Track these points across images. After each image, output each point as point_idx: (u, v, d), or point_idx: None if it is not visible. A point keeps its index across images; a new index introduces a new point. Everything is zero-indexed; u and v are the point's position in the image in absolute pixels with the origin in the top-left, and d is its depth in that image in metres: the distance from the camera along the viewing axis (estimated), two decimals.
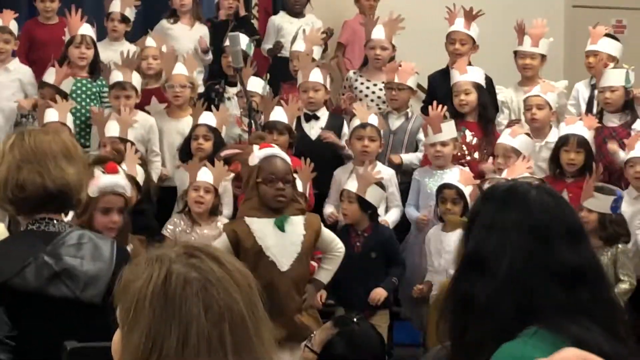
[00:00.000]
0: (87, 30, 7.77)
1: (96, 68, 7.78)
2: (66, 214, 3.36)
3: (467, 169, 6.87)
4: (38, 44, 8.07)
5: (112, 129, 6.95)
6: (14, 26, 7.86)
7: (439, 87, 7.73)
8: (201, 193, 6.40)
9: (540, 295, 2.10)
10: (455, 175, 6.63)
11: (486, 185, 5.70)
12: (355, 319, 3.98)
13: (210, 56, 8.38)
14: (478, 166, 7.10)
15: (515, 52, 7.73)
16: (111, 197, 4.96)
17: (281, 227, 5.23)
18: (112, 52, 8.01)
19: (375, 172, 6.52)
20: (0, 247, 3.26)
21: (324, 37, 8.40)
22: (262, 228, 5.23)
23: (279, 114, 7.01)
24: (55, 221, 3.19)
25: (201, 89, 7.92)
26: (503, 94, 7.74)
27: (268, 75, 7.84)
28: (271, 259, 5.21)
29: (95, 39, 7.83)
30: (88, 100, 7.68)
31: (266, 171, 5.22)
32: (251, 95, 7.25)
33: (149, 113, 7.54)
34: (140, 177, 6.30)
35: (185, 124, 7.35)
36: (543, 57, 7.69)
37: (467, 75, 7.34)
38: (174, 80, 7.45)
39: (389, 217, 6.87)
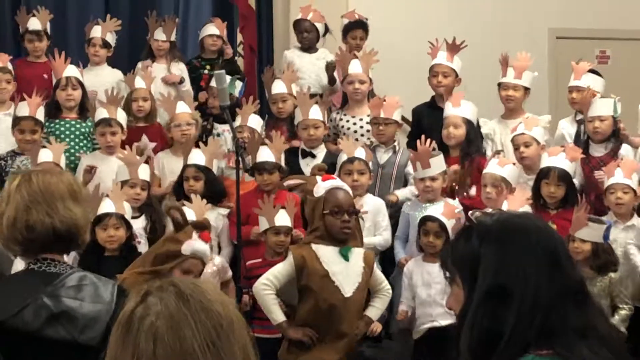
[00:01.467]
0: (72, 72, 7.82)
1: (85, 109, 7.80)
2: (68, 254, 3.35)
3: (456, 201, 6.89)
4: (25, 83, 8.07)
5: (143, 172, 6.94)
6: (10, 67, 7.93)
7: (425, 120, 7.78)
8: None
9: (557, 316, 2.16)
10: (441, 208, 6.65)
11: (476, 215, 5.73)
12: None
13: (187, 86, 8.44)
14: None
15: (499, 85, 7.77)
16: (194, 261, 5.05)
17: (346, 257, 5.43)
18: (94, 77, 8.16)
19: (359, 206, 6.50)
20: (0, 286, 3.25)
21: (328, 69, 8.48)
22: (328, 255, 5.43)
23: (265, 154, 7.02)
24: (56, 262, 3.18)
25: None
26: (487, 126, 7.77)
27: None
28: (336, 284, 5.40)
29: (81, 79, 7.85)
30: (77, 140, 7.69)
31: (332, 203, 5.44)
32: (251, 131, 7.32)
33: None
34: (128, 215, 6.36)
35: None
36: (526, 89, 7.72)
37: (459, 110, 7.38)
38: (180, 119, 7.48)
39: (372, 240, 6.88)
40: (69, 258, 3.82)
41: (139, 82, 7.96)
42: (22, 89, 7.83)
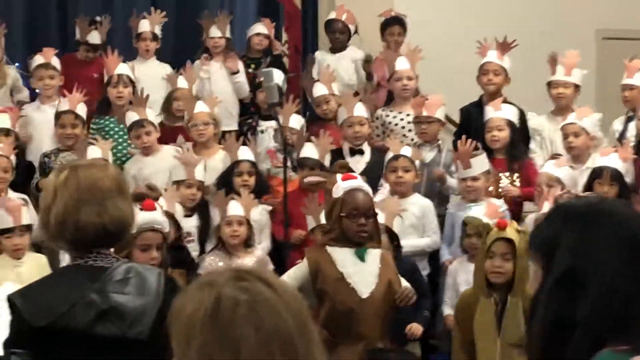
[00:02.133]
0: (124, 69, 7.85)
1: None
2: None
3: (500, 201, 6.87)
4: (73, 80, 8.11)
5: (198, 171, 6.99)
6: (56, 62, 7.95)
7: (473, 120, 7.74)
8: (234, 227, 6.42)
9: (636, 307, 2.09)
10: (484, 208, 6.61)
11: (564, 197, 5.66)
12: (389, 350, 3.99)
13: (240, 78, 8.44)
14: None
15: (549, 83, 7.72)
16: (149, 234, 5.03)
17: (362, 257, 5.27)
18: (144, 70, 8.27)
19: (396, 203, 6.48)
20: (47, 284, 3.21)
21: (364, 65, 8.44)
22: (343, 257, 5.28)
23: (309, 151, 7.03)
24: (102, 255, 3.16)
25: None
26: (535, 120, 7.73)
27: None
28: (352, 286, 5.25)
29: (132, 77, 7.89)
30: (126, 137, 7.71)
31: (350, 205, 5.25)
32: (292, 132, 7.31)
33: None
34: (179, 214, 6.34)
35: (214, 160, 7.37)
36: (576, 87, 7.70)
37: (500, 112, 7.34)
38: (196, 118, 7.46)
39: (420, 242, 6.86)
40: None
41: (181, 82, 7.99)
42: (69, 86, 7.88)
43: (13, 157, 7.08)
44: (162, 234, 5.17)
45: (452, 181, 7.27)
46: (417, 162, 7.07)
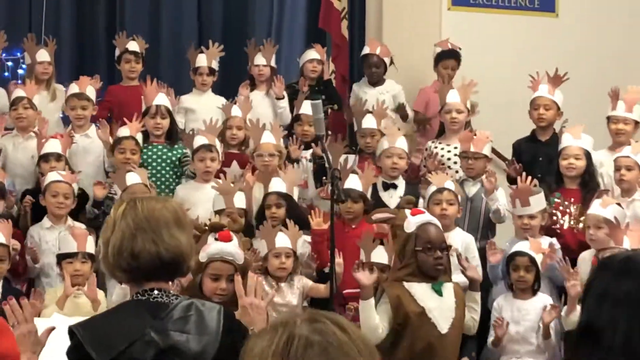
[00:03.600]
0: (162, 100, 7.87)
1: (173, 135, 7.86)
2: (173, 283, 3.31)
3: (551, 239, 6.79)
4: (122, 107, 8.17)
5: (239, 200, 6.98)
6: (91, 92, 7.97)
7: (524, 154, 7.69)
8: (283, 259, 6.43)
9: None
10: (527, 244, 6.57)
11: (604, 255, 5.62)
12: None
13: (284, 104, 8.46)
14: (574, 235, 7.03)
15: (608, 118, 7.67)
16: (219, 264, 5.07)
17: (439, 292, 5.34)
18: (199, 102, 8.36)
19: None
20: (109, 319, 3.21)
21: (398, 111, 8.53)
22: (421, 292, 5.33)
23: (353, 182, 7.03)
24: (163, 292, 3.14)
25: None
26: (594, 157, 7.63)
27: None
28: (432, 321, 5.30)
29: (171, 108, 7.90)
30: (164, 165, 7.74)
31: (424, 239, 5.33)
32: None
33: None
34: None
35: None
36: (637, 123, 7.65)
37: (580, 141, 7.29)
38: (263, 149, 7.48)
39: (462, 278, 6.78)
40: None
41: (235, 110, 8.01)
42: (119, 113, 7.89)
43: (75, 185, 7.13)
44: (233, 266, 5.17)
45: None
46: (459, 197, 7.03)
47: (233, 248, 5.24)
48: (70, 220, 6.99)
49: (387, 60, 8.81)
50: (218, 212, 6.83)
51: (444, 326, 5.32)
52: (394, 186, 7.46)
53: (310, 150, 7.89)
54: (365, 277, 5.46)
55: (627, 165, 7.12)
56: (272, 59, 8.76)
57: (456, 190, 7.01)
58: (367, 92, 8.72)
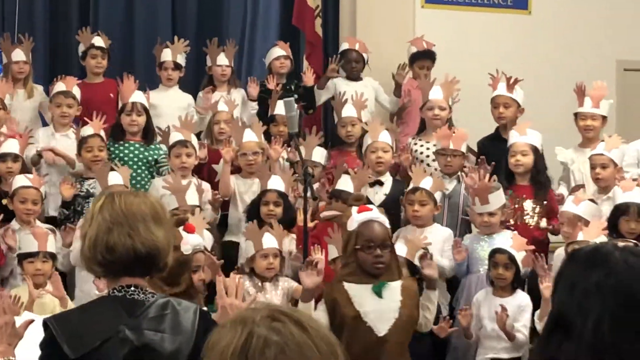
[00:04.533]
0: (138, 97, 7.85)
1: (149, 134, 7.84)
2: (151, 277, 3.28)
3: (514, 232, 6.83)
4: (90, 104, 8.10)
5: (191, 197, 6.94)
6: (77, 92, 7.96)
7: (490, 152, 7.67)
8: (270, 260, 6.43)
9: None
10: (505, 239, 6.61)
11: (573, 247, 5.66)
12: None
13: (256, 106, 8.45)
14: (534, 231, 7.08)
15: (576, 114, 7.71)
16: (199, 255, 5.09)
17: (379, 294, 5.12)
18: (164, 98, 8.28)
19: (423, 238, 6.43)
20: (82, 315, 3.20)
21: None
22: (360, 294, 5.13)
23: (345, 183, 7.05)
24: (139, 289, 3.13)
25: None
26: (563, 154, 7.70)
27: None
28: (369, 324, 5.10)
29: (147, 105, 7.88)
30: (140, 164, 7.73)
31: (364, 237, 5.11)
32: (314, 165, 7.30)
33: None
34: (208, 242, 6.33)
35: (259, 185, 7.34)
36: (604, 118, 7.69)
37: (525, 137, 7.32)
38: (246, 148, 7.47)
39: (443, 262, 6.78)
40: None
41: (222, 106, 7.99)
42: (86, 110, 7.87)
43: (44, 189, 7.10)
44: (205, 255, 5.20)
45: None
46: (438, 194, 7.05)
47: (199, 238, 5.24)
48: (38, 224, 6.94)
49: (365, 56, 8.83)
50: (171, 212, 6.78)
51: (381, 329, 5.11)
52: (380, 183, 7.46)
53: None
54: (309, 279, 5.38)
55: (601, 164, 7.14)
56: (232, 60, 8.73)
57: (433, 188, 7.00)
58: (350, 85, 8.70)
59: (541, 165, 7.37)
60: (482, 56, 9.23)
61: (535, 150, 7.33)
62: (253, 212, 7.01)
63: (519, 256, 6.40)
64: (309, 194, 6.12)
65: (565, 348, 2.07)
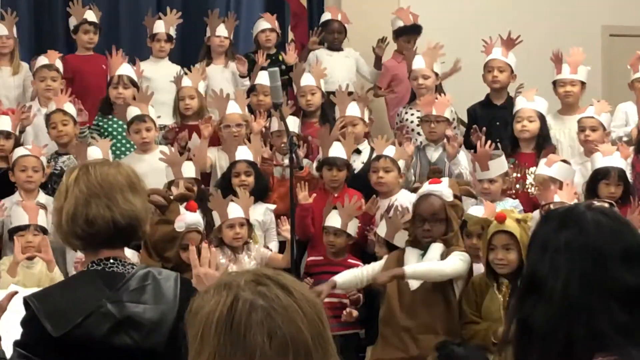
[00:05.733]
0: (125, 70, 7.84)
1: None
2: (129, 247, 3.26)
3: (516, 202, 6.82)
4: (82, 76, 8.16)
5: (188, 170, 6.94)
6: (59, 65, 7.95)
7: (480, 119, 7.72)
8: (237, 229, 6.38)
9: (600, 318, 2.05)
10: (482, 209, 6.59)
11: (546, 209, 5.70)
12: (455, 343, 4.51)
13: (248, 82, 8.42)
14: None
15: (555, 82, 7.71)
16: (193, 234, 5.10)
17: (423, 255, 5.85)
18: (156, 70, 8.31)
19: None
20: (63, 291, 3.15)
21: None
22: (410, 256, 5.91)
23: (337, 150, 7.06)
24: (118, 261, 3.10)
25: None
26: None
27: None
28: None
29: (135, 78, 7.87)
30: (120, 137, 7.72)
31: (415, 210, 5.93)
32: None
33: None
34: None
35: None
36: (583, 84, 7.70)
37: (533, 104, 7.32)
38: (230, 120, 7.46)
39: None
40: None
41: (185, 81, 7.94)
42: (80, 83, 7.83)
43: (44, 159, 7.10)
44: (201, 235, 5.23)
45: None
46: (402, 162, 7.07)
47: (200, 218, 5.28)
48: (42, 195, 6.96)
49: (347, 26, 8.84)
50: (169, 184, 6.79)
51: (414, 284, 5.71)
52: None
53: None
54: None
55: (591, 126, 7.17)
56: (231, 32, 8.73)
57: (397, 156, 7.01)
58: (331, 55, 8.75)
59: (546, 132, 7.37)
60: (467, 24, 9.24)
61: (541, 117, 7.33)
62: (225, 184, 7.00)
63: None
64: (295, 162, 6.15)
65: (537, 308, 2.10)
